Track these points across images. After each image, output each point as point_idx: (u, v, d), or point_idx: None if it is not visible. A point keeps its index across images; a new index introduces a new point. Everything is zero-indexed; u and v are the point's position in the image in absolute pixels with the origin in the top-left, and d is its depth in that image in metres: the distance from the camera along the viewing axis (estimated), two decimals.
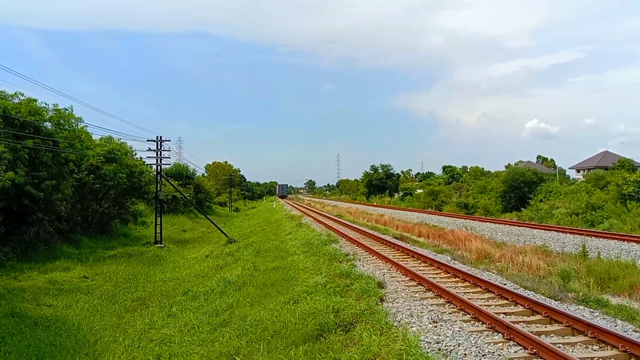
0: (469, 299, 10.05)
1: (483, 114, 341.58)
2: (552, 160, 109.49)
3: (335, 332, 8.29)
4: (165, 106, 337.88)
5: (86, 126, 28.87)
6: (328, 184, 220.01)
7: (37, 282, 17.81)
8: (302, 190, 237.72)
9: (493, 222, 30.00)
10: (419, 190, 77.38)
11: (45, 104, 24.90)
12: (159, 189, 34.49)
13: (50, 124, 24.82)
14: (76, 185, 28.17)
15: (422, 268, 14.57)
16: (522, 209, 40.99)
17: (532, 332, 7.76)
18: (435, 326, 8.43)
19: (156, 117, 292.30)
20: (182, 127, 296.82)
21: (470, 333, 8.03)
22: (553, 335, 8.07)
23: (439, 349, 7.26)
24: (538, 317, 8.96)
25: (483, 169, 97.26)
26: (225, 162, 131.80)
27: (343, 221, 35.26)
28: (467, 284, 12.07)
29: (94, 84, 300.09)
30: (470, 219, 32.97)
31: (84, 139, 28.93)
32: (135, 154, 36.54)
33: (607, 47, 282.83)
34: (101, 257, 24.57)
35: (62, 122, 25.51)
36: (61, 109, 25.63)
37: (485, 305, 9.64)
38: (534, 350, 7.02)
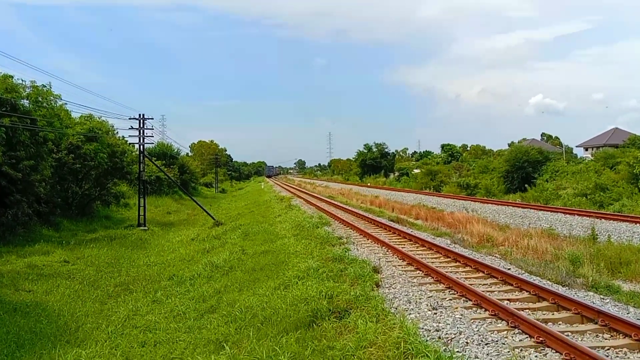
0: (471, 284, 9.76)
1: (484, 89, 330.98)
2: (557, 137, 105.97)
3: (328, 319, 8.07)
4: (148, 82, 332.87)
5: (65, 104, 28.29)
6: (319, 164, 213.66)
7: (16, 267, 17.44)
8: (292, 171, 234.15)
9: (495, 204, 29.12)
10: (416, 170, 75.20)
11: (22, 80, 24.31)
12: (141, 169, 33.86)
13: (27, 101, 24.27)
14: (55, 166, 27.51)
15: (420, 252, 14.18)
16: (526, 189, 39.73)
17: (538, 320, 7.49)
18: (435, 313, 8.20)
19: (139, 94, 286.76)
20: (166, 104, 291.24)
21: (472, 320, 7.80)
22: (561, 322, 7.78)
23: (439, 337, 7.04)
24: (545, 303, 8.65)
25: (484, 147, 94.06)
26: (211, 141, 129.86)
27: (335, 203, 34.66)
28: (468, 268, 11.73)
29: (74, 59, 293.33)
30: (471, 200, 32.20)
31: (63, 117, 28.23)
32: (117, 132, 36.10)
33: (616, 16, 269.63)
34: (82, 241, 24.13)
35: (40, 99, 24.89)
36: (39, 86, 25.03)
37: (488, 291, 9.33)
38: (541, 339, 6.75)
